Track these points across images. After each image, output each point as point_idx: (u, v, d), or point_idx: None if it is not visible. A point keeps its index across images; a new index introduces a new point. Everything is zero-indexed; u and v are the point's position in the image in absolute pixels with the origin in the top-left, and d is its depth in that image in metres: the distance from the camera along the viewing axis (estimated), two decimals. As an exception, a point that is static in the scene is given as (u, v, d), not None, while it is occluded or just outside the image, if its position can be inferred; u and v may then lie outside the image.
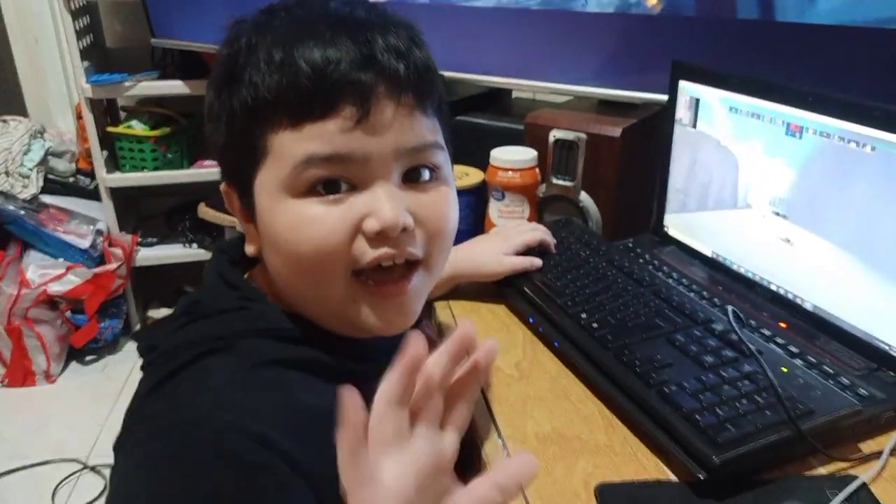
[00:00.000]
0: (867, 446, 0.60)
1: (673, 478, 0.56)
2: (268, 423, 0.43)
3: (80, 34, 1.77)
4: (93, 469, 1.63)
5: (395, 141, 0.47)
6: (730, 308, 0.65)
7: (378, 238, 0.47)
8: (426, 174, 0.50)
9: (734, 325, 0.63)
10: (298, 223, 0.47)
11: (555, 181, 1.03)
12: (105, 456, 1.66)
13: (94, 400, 1.87)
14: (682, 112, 0.85)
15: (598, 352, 0.67)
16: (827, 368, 0.64)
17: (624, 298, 0.74)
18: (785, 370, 0.62)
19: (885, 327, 0.65)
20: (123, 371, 2.00)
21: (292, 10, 0.49)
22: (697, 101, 0.82)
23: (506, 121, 1.14)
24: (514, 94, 1.38)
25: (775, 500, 0.52)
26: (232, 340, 0.47)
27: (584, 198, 1.02)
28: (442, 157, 0.51)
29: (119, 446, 0.44)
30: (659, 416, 0.58)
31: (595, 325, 0.70)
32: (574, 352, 0.70)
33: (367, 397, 0.53)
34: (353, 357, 0.52)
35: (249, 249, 0.53)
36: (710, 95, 0.80)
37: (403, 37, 0.48)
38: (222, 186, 0.54)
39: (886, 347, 0.65)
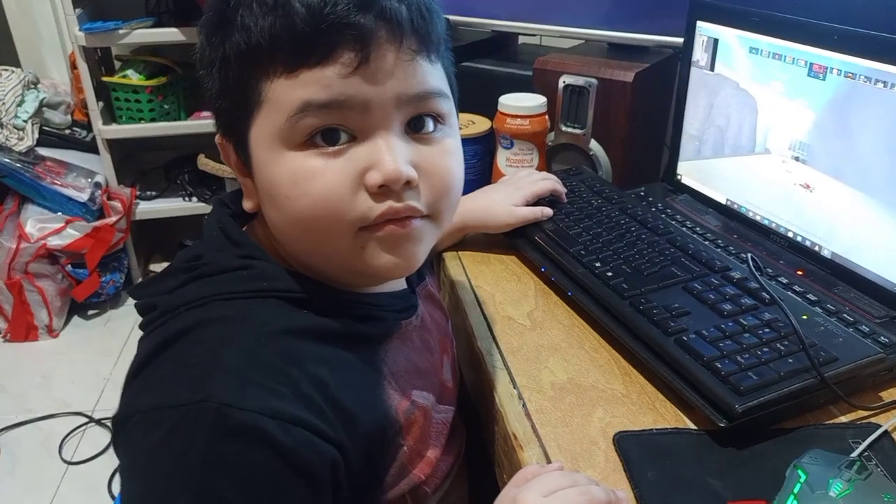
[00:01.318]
0: (889, 394, 0.59)
1: (692, 427, 0.56)
2: (292, 402, 0.42)
3: (70, -20, 1.71)
4: (98, 422, 1.64)
5: (397, 87, 0.45)
6: (749, 255, 0.64)
7: (381, 192, 0.45)
8: (430, 124, 0.48)
9: (754, 271, 0.61)
10: (297, 177, 0.45)
11: (564, 129, 1.01)
12: (109, 410, 1.67)
13: (98, 354, 1.87)
14: (700, 54, 0.82)
15: (614, 300, 0.65)
16: (846, 316, 0.62)
17: (639, 247, 0.73)
18: (805, 317, 0.60)
19: (908, 274, 0.64)
20: (126, 325, 1.99)
21: None
22: (716, 41, 0.79)
23: (513, 67, 1.11)
24: (521, 40, 1.34)
25: (797, 449, 0.52)
26: (236, 302, 0.46)
27: (595, 146, 1.00)
28: (447, 106, 0.49)
29: (120, 428, 0.43)
30: (678, 365, 0.57)
31: (610, 273, 0.68)
32: (588, 301, 0.68)
33: (376, 361, 0.52)
34: (359, 317, 0.51)
35: (247, 205, 0.51)
36: (730, 35, 0.77)
37: None
38: (217, 139, 0.51)
39: (908, 295, 0.64)
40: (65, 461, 1.54)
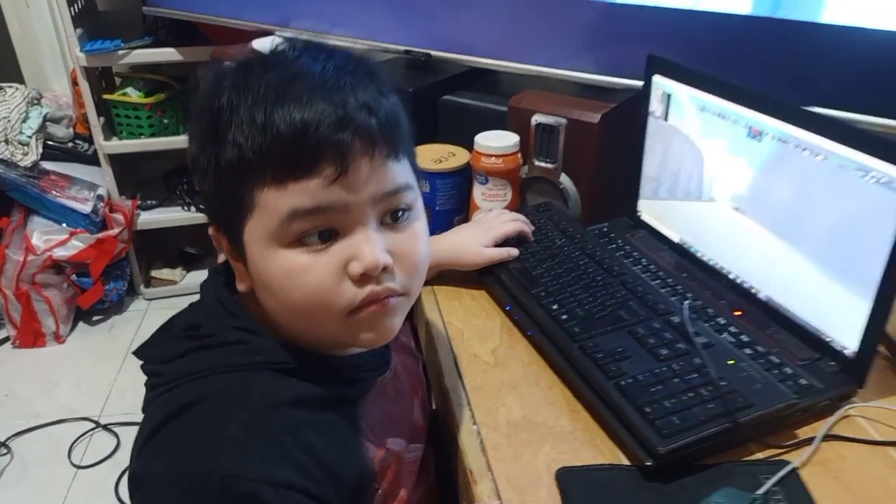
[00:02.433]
0: (804, 432, 0.66)
1: (626, 463, 0.63)
2: (288, 468, 0.49)
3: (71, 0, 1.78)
4: (105, 427, 1.72)
5: (372, 191, 0.52)
6: (686, 303, 0.71)
7: (363, 279, 0.52)
8: (401, 215, 0.55)
9: (687, 320, 0.69)
10: (289, 272, 0.52)
11: (537, 163, 1.07)
12: (115, 415, 1.75)
13: (103, 359, 1.96)
14: (655, 104, 0.89)
15: (566, 343, 0.73)
16: (773, 358, 0.70)
17: (593, 289, 0.80)
18: (731, 362, 0.68)
19: (827, 320, 0.71)
20: (129, 330, 2.08)
21: (268, 68, 0.52)
22: (669, 95, 0.86)
23: (491, 101, 1.17)
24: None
25: (714, 485, 0.59)
26: (234, 375, 0.53)
27: (565, 180, 1.06)
28: (412, 196, 0.56)
29: (138, 484, 0.50)
30: (615, 407, 0.64)
31: (564, 316, 0.76)
32: (545, 341, 0.76)
33: (356, 418, 0.60)
34: (343, 380, 0.59)
35: (241, 287, 0.57)
36: (682, 92, 0.84)
37: (372, 91, 0.52)
38: (211, 230, 0.58)
39: (828, 339, 0.71)
40: (73, 465, 1.63)
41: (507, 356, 0.78)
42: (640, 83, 0.96)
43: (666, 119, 0.88)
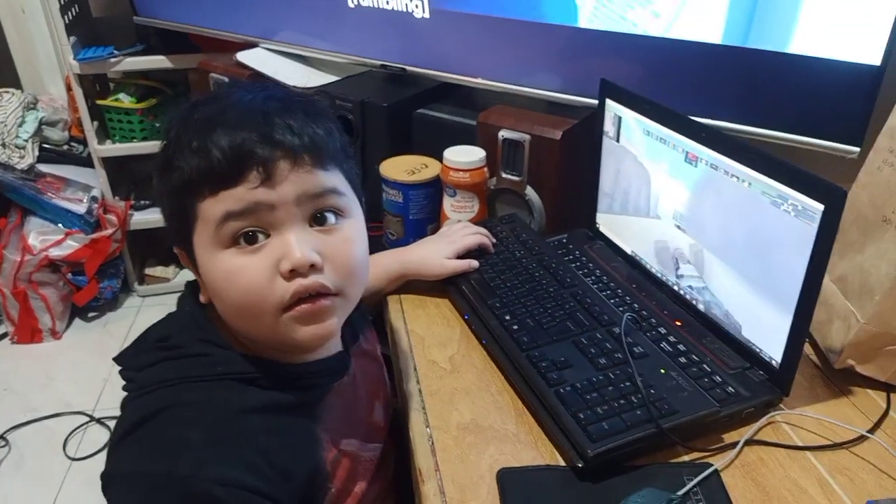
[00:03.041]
0: (730, 436, 0.72)
1: (562, 464, 0.69)
2: (241, 470, 0.55)
3: (64, 7, 1.83)
4: (99, 421, 1.79)
5: (295, 190, 0.58)
6: (626, 315, 0.77)
7: (292, 276, 0.58)
8: (331, 218, 0.61)
9: (623, 331, 0.75)
10: (227, 273, 0.58)
11: (504, 175, 1.13)
12: (109, 409, 1.82)
13: (97, 354, 2.02)
14: (609, 126, 0.95)
15: (515, 351, 0.79)
16: (705, 367, 0.76)
17: (545, 301, 0.86)
18: (663, 371, 0.74)
19: (755, 332, 0.77)
20: (123, 326, 2.14)
21: (210, 103, 0.59)
22: (620, 118, 0.92)
23: (462, 115, 1.22)
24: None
25: (640, 485, 0.65)
26: (198, 385, 0.59)
27: (530, 192, 1.12)
28: (343, 202, 0.62)
29: (108, 481, 0.56)
30: (554, 412, 0.70)
31: (516, 326, 0.82)
32: (497, 350, 0.82)
33: (312, 421, 0.66)
34: (300, 387, 0.64)
35: (203, 298, 0.64)
36: (630, 116, 0.90)
37: (299, 116, 0.59)
38: (176, 248, 0.64)
39: (757, 350, 0.77)
40: (69, 457, 1.69)
41: (463, 363, 0.84)
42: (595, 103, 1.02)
43: (618, 140, 0.93)
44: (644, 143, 0.88)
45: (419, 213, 1.14)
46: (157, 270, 2.28)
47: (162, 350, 0.62)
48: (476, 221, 1.07)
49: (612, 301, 0.87)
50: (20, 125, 1.93)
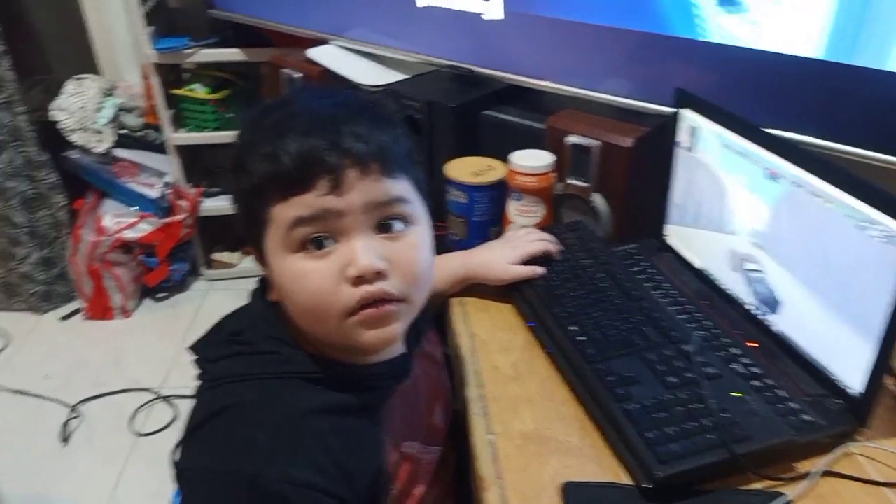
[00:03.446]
0: (804, 466, 0.69)
1: (628, 482, 0.68)
2: (308, 470, 0.57)
3: (144, -1, 1.89)
4: (165, 399, 1.86)
5: (363, 198, 0.59)
6: (699, 334, 0.75)
7: (357, 282, 0.59)
8: (397, 225, 0.62)
9: (696, 351, 0.73)
10: (296, 276, 0.60)
11: (570, 181, 1.12)
12: (175, 388, 1.89)
13: (165, 335, 2.10)
14: (683, 136, 0.92)
15: (581, 364, 0.78)
16: (780, 392, 0.73)
17: (611, 313, 0.84)
18: (737, 395, 0.72)
19: (835, 359, 0.74)
20: (191, 309, 2.21)
21: (280, 108, 0.61)
22: (696, 129, 0.89)
23: (530, 118, 1.22)
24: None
25: (706, 509, 0.64)
26: (267, 383, 0.61)
27: (597, 198, 1.11)
28: (410, 209, 0.62)
29: (181, 475, 0.59)
30: (620, 429, 0.69)
31: (582, 338, 0.81)
32: (562, 359, 0.81)
33: (375, 423, 0.67)
34: (364, 388, 0.66)
35: (272, 296, 0.66)
36: (707, 127, 0.87)
37: (364, 123, 0.60)
38: (248, 248, 0.66)
39: (835, 377, 0.74)
40: (135, 433, 1.77)
41: (527, 370, 0.84)
42: (672, 109, 1.00)
43: (692, 151, 0.91)
44: (721, 155, 0.86)
45: (483, 215, 1.14)
46: (224, 256, 2.35)
47: (235, 344, 0.65)
48: (541, 227, 1.06)
49: (681, 317, 0.85)
50: (98, 111, 2.01)
